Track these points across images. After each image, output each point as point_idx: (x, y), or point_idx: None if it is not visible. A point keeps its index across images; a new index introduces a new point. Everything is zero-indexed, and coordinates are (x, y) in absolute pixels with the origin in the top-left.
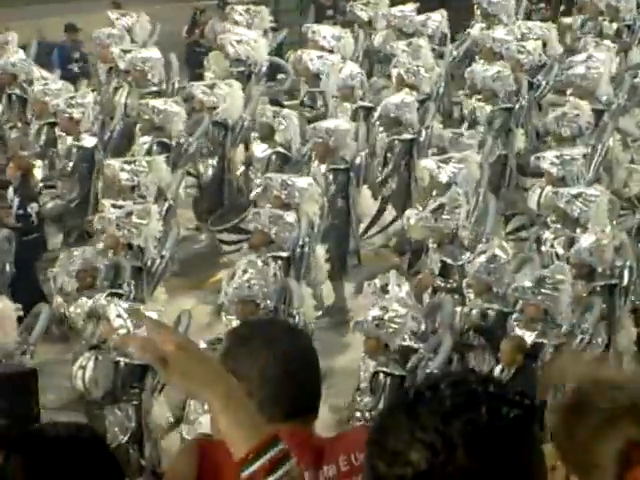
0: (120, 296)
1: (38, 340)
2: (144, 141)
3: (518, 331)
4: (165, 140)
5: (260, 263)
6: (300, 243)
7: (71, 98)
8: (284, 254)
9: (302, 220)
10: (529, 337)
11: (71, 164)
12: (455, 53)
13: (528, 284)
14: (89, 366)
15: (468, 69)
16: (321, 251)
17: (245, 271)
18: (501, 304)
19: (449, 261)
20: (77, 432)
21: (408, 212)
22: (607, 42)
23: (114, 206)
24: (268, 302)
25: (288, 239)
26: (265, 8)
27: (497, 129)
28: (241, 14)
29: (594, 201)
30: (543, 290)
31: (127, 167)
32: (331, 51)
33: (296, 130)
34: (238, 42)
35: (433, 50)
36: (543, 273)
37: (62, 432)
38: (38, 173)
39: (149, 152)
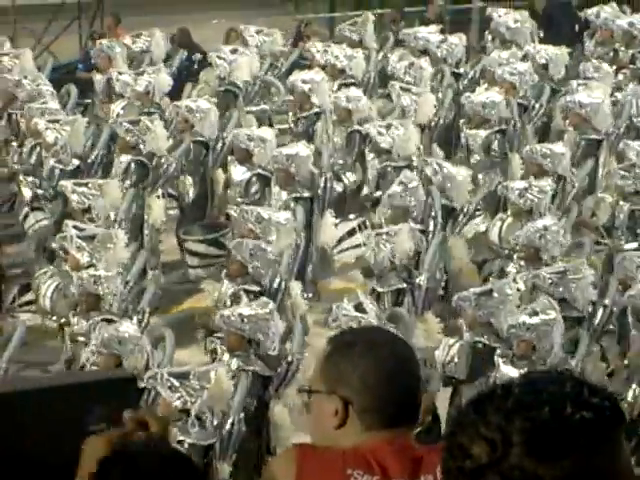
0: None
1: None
2: (122, 160)
3: (503, 367)
4: (143, 159)
5: (271, 306)
6: (277, 280)
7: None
8: (257, 288)
9: (283, 258)
10: (515, 374)
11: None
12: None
13: (524, 320)
14: None
15: (464, 96)
16: (297, 287)
17: (248, 305)
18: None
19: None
20: (169, 452)
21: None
22: (606, 67)
23: (76, 227)
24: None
25: (266, 275)
26: (278, 32)
27: (493, 155)
28: (252, 35)
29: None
30: (536, 326)
31: (78, 189)
32: (342, 71)
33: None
34: (224, 60)
35: (454, 75)
36: (535, 308)
37: (157, 450)
38: (27, 193)
39: (126, 171)
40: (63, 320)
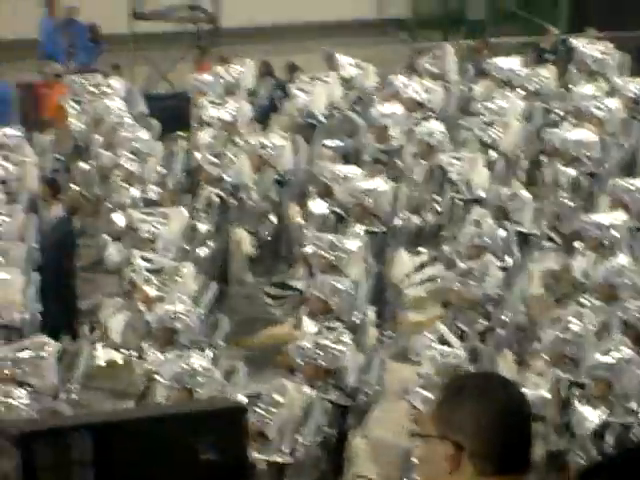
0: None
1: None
2: (204, 194)
3: (581, 407)
4: (225, 193)
5: (347, 338)
6: (357, 312)
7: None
8: (340, 324)
9: (360, 291)
10: (596, 416)
11: None
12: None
13: (601, 358)
14: None
15: (548, 129)
16: (372, 314)
17: (324, 336)
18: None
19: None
20: None
21: None
22: None
23: (144, 259)
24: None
25: (347, 310)
26: (371, 66)
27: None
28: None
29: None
30: (613, 365)
31: (147, 218)
32: (421, 104)
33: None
34: (304, 92)
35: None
36: (611, 346)
37: None
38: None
39: (209, 204)
40: (133, 354)
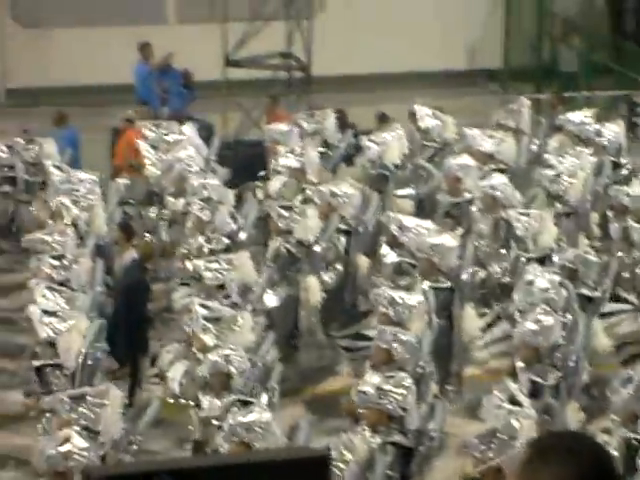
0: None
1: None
2: (273, 245)
3: None
4: (293, 245)
5: (409, 382)
6: (421, 364)
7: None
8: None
9: (424, 343)
10: None
11: None
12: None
13: None
14: None
15: (616, 187)
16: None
17: (386, 381)
18: None
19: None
20: None
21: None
22: None
23: (203, 306)
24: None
25: (410, 360)
26: (450, 118)
27: None
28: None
29: None
30: None
31: (211, 265)
32: (491, 156)
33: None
34: (374, 142)
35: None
36: None
37: None
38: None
39: (277, 254)
40: (192, 403)
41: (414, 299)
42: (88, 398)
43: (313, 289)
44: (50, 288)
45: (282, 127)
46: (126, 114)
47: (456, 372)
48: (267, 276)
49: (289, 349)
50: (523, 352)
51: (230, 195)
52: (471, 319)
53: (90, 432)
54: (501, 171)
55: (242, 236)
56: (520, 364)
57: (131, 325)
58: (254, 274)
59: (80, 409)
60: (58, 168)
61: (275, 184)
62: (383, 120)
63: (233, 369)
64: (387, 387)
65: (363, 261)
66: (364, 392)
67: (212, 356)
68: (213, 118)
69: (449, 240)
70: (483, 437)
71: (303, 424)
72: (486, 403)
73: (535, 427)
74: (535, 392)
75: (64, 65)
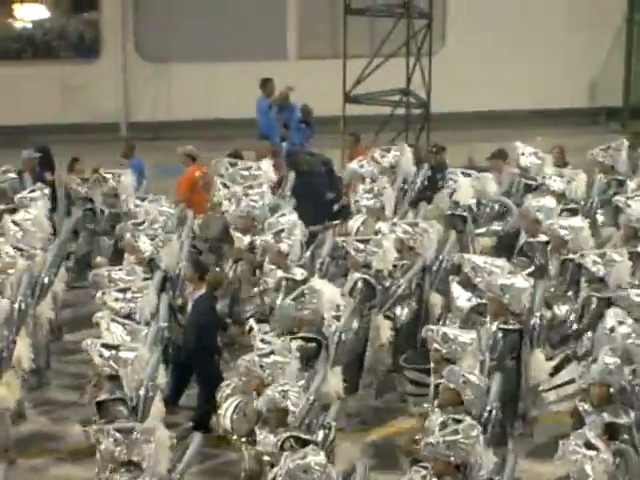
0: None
1: (187, 469)
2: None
3: None
4: (370, 279)
5: (476, 432)
6: (488, 408)
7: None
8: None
9: (494, 383)
10: None
11: None
12: None
13: None
14: None
15: None
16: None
17: (456, 432)
18: None
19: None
20: None
21: None
22: None
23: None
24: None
25: (477, 404)
26: (549, 157)
27: None
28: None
29: None
30: None
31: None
32: (562, 195)
33: None
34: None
35: None
36: None
37: None
38: None
39: (353, 288)
40: (244, 439)
41: (467, 336)
42: (134, 433)
43: (383, 329)
44: (114, 320)
45: (362, 164)
46: (186, 149)
47: (523, 415)
48: (350, 310)
49: (352, 386)
50: (597, 391)
51: (299, 230)
52: (540, 363)
53: (135, 467)
54: (574, 210)
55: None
56: (586, 406)
57: (200, 359)
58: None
59: (125, 443)
60: (139, 200)
61: (355, 224)
62: (500, 156)
63: (290, 405)
64: (454, 438)
65: (437, 299)
66: (432, 443)
67: (270, 391)
68: (332, 153)
69: (521, 282)
70: None
71: (360, 468)
72: (562, 448)
73: (609, 472)
74: (610, 434)
75: (186, 99)
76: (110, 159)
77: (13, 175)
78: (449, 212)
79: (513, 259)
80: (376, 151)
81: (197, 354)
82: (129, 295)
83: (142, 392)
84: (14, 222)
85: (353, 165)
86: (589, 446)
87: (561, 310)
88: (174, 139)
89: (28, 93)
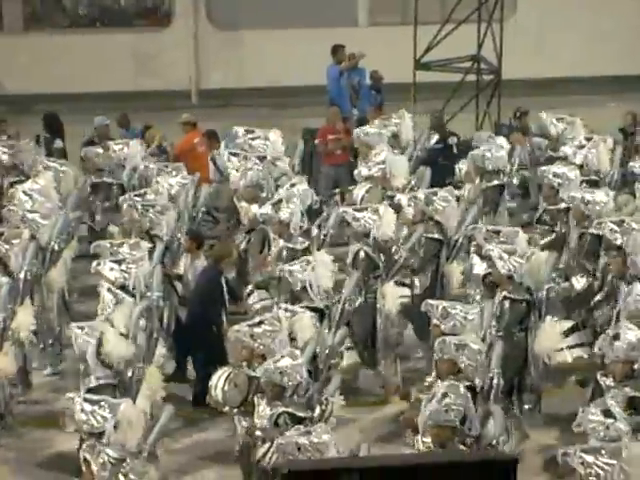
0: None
1: (158, 441)
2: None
3: None
4: (370, 249)
5: (462, 389)
6: (490, 375)
7: None
8: (468, 383)
9: (495, 350)
10: None
11: None
12: None
13: None
14: None
15: None
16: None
17: (445, 395)
18: None
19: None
20: None
21: None
22: None
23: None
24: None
25: (476, 371)
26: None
27: None
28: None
29: None
30: None
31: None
32: (581, 166)
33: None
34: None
35: None
36: None
37: None
38: None
39: (355, 259)
40: (235, 411)
41: (468, 312)
42: (101, 405)
43: (391, 297)
44: (109, 290)
45: (372, 130)
46: (185, 117)
47: (532, 386)
48: (354, 280)
49: (365, 357)
50: (620, 368)
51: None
52: (549, 335)
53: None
54: (594, 182)
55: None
56: (609, 381)
57: (204, 331)
58: (332, 275)
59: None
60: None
61: (359, 192)
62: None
63: (287, 382)
64: (449, 401)
65: (454, 269)
66: (432, 412)
67: (267, 365)
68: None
69: (536, 254)
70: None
71: (363, 448)
72: (581, 416)
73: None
74: (632, 408)
75: (256, 66)
76: (181, 127)
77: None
78: (486, 184)
79: (533, 228)
80: (377, 120)
81: (199, 326)
82: (124, 266)
83: (129, 374)
84: (24, 192)
85: (364, 130)
86: (607, 414)
87: (579, 282)
88: (245, 106)
89: (101, 61)
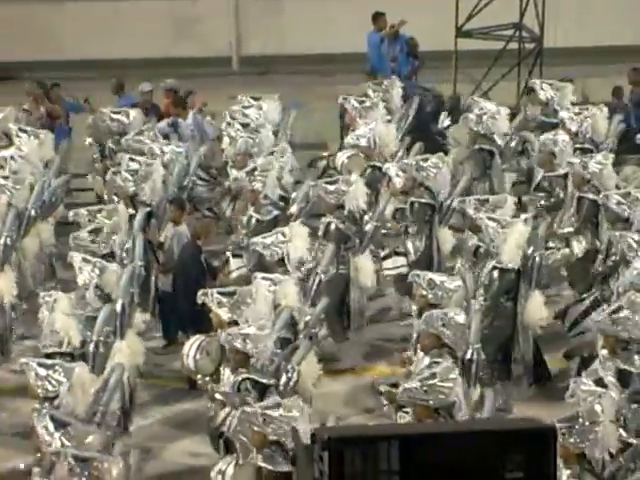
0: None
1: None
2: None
3: None
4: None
5: (446, 364)
6: (471, 349)
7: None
8: (451, 360)
9: (472, 324)
10: None
11: None
12: None
13: None
14: None
15: None
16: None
17: (434, 375)
18: None
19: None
20: None
21: None
22: None
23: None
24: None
25: (460, 344)
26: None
27: None
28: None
29: None
30: None
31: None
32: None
33: None
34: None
35: None
36: None
37: None
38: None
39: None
40: (207, 379)
41: (453, 283)
42: (54, 369)
43: (365, 269)
44: (85, 260)
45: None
46: (167, 83)
47: (521, 358)
48: (330, 253)
49: (336, 329)
50: (611, 340)
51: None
52: (537, 305)
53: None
54: (588, 150)
55: (293, 209)
56: (604, 352)
57: (188, 304)
58: (307, 247)
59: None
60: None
61: (341, 158)
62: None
63: (251, 349)
64: (433, 382)
65: (447, 236)
66: (410, 389)
67: (231, 331)
68: (443, 88)
69: (521, 226)
70: (564, 421)
71: (331, 421)
72: (573, 386)
73: (616, 408)
74: (623, 381)
75: (297, 33)
76: (221, 93)
77: None
78: (477, 146)
79: (530, 194)
80: (366, 85)
81: (182, 304)
82: (102, 236)
83: (91, 348)
84: (4, 158)
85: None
86: (599, 384)
87: (578, 247)
88: (285, 73)
89: (141, 27)
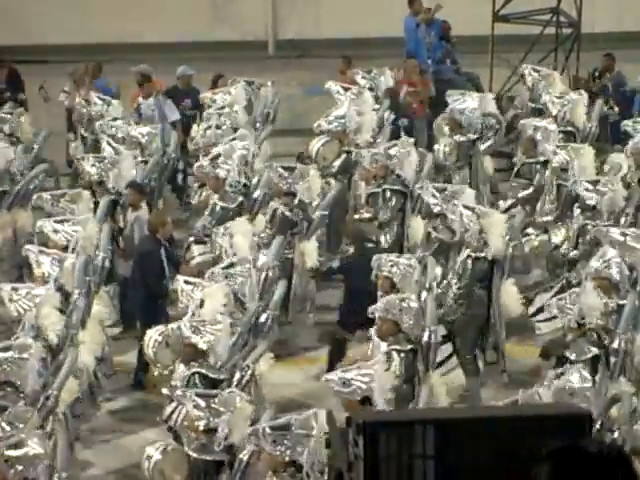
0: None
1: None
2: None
3: None
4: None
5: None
6: (427, 332)
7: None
8: (410, 346)
9: (427, 308)
10: None
11: None
12: None
13: None
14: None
15: None
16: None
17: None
18: None
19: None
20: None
21: None
22: None
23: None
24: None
25: (416, 329)
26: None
27: None
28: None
29: None
30: None
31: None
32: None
33: None
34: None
35: None
36: None
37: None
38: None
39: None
40: (166, 370)
41: (408, 261)
42: (9, 352)
43: (309, 254)
44: (42, 252)
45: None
46: (140, 68)
47: (495, 346)
48: (278, 246)
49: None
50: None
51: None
52: (511, 294)
53: (10, 385)
54: (570, 133)
55: (256, 195)
56: (573, 356)
57: (145, 293)
58: (247, 242)
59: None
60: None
61: (316, 144)
62: None
63: (201, 342)
64: (350, 375)
65: (419, 224)
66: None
67: (182, 323)
68: (480, 72)
69: (496, 216)
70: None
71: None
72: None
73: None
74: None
75: (333, 17)
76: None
77: None
78: (459, 138)
79: (511, 181)
80: (355, 71)
81: (142, 297)
82: (68, 227)
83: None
84: None
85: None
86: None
87: (557, 235)
88: (321, 57)
89: (177, 10)
